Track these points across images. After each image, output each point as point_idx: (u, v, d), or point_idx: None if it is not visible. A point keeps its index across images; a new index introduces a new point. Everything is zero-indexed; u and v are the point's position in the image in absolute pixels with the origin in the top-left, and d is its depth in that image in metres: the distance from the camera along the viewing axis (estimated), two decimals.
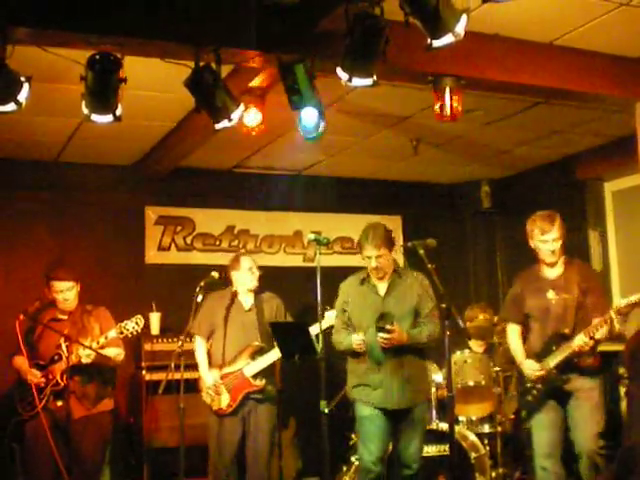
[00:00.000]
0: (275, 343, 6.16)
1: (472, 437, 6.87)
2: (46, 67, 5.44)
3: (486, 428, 7.09)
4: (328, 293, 5.78)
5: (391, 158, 8.89)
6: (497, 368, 7.03)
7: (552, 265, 5.79)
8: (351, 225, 9.36)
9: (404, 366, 5.66)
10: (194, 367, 6.63)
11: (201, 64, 4.92)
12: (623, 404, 7.35)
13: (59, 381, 6.23)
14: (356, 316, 5.76)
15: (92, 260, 8.12)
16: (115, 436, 7.09)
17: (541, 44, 5.85)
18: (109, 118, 4.95)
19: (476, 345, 7.50)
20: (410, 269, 5.87)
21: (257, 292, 6.69)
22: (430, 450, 6.56)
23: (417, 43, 4.40)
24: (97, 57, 4.69)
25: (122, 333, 6.22)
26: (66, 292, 6.40)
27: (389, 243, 5.72)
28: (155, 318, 8.19)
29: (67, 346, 6.16)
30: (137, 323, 6.22)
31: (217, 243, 9.17)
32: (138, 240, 8.80)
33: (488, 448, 6.90)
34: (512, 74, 5.82)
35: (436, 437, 6.62)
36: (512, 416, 6.96)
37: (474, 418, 7.15)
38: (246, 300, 6.67)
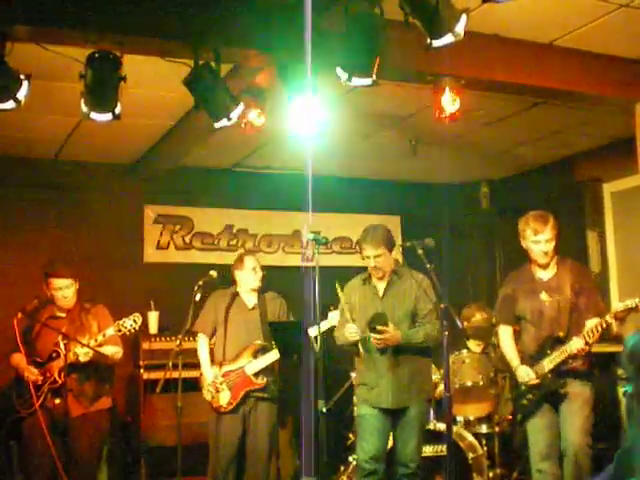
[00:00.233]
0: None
1: (470, 437, 6.87)
2: (45, 65, 5.43)
3: (484, 428, 7.08)
4: (326, 293, 5.78)
5: (390, 158, 8.89)
6: (495, 368, 7.02)
7: (545, 266, 5.73)
8: (350, 225, 9.37)
9: (402, 366, 5.67)
10: (192, 366, 6.64)
11: (200, 63, 4.92)
12: (621, 405, 7.36)
13: (57, 379, 6.22)
14: (357, 316, 5.79)
15: (91, 258, 8.11)
16: (112, 434, 7.11)
17: (541, 45, 5.85)
18: (108, 116, 4.96)
19: (474, 345, 7.49)
20: (411, 269, 5.87)
21: (261, 291, 6.70)
22: (427, 450, 6.56)
23: (417, 43, 4.40)
24: (96, 55, 4.70)
25: (120, 331, 6.22)
26: (65, 289, 6.39)
27: (389, 243, 5.74)
28: (153, 317, 8.19)
29: (65, 344, 6.15)
30: (135, 321, 6.21)
31: (216, 242, 9.17)
32: (137, 239, 8.81)
33: (486, 448, 6.90)
34: (512, 74, 5.82)
35: (434, 437, 6.62)
36: (510, 416, 6.95)
37: (472, 418, 7.14)
38: (250, 299, 6.68)
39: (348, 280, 6.10)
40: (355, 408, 6.24)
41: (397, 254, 5.95)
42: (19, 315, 6.21)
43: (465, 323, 7.34)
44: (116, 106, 4.93)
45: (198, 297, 6.28)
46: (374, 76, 4.71)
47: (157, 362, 7.58)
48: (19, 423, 6.36)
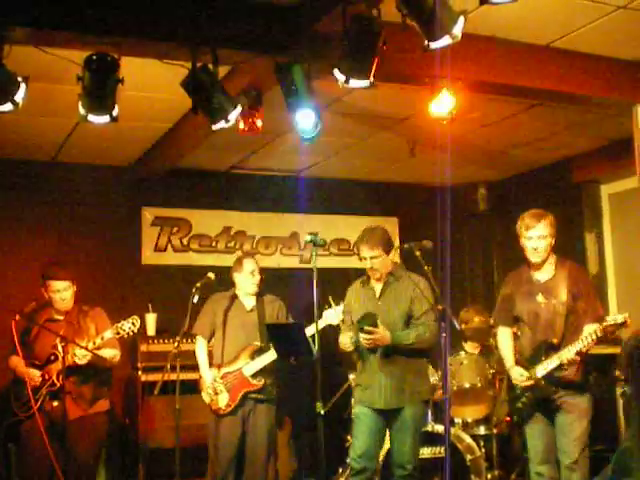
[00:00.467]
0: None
1: (468, 439, 6.87)
2: (43, 67, 5.43)
3: (482, 430, 7.08)
4: (324, 294, 5.79)
5: (388, 160, 8.89)
6: (493, 370, 7.02)
7: (539, 266, 5.62)
8: (348, 227, 9.37)
9: (395, 366, 5.66)
10: (190, 368, 6.64)
11: (198, 65, 4.92)
12: (619, 407, 7.36)
13: (55, 381, 6.22)
14: (355, 317, 5.79)
15: (88, 261, 8.11)
16: (111, 437, 7.10)
17: (538, 46, 5.86)
18: (106, 119, 4.96)
19: (472, 347, 7.50)
20: (409, 271, 5.87)
21: (259, 294, 6.70)
22: (425, 452, 6.56)
23: (414, 45, 4.40)
24: (94, 57, 4.70)
25: (118, 334, 6.22)
26: (63, 292, 6.39)
27: (386, 245, 5.74)
28: (151, 319, 8.18)
29: (63, 347, 6.15)
30: (133, 324, 6.21)
31: (213, 244, 9.17)
32: (134, 241, 8.80)
33: (484, 450, 6.91)
34: (509, 76, 5.83)
35: (432, 439, 6.62)
36: (507, 418, 6.95)
37: (470, 420, 7.14)
38: (248, 301, 6.68)
39: (345, 284, 6.12)
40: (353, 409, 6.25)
41: (395, 256, 5.93)
42: (17, 317, 6.20)
43: (462, 325, 7.33)
44: (114, 108, 4.93)
45: (196, 299, 6.27)
46: (372, 78, 4.71)
47: (155, 364, 7.57)
48: (17, 426, 6.35)
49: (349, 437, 6.89)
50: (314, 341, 5.39)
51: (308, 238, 5.52)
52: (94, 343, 6.21)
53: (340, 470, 7.09)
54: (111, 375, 6.65)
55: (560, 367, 5.43)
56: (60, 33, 4.70)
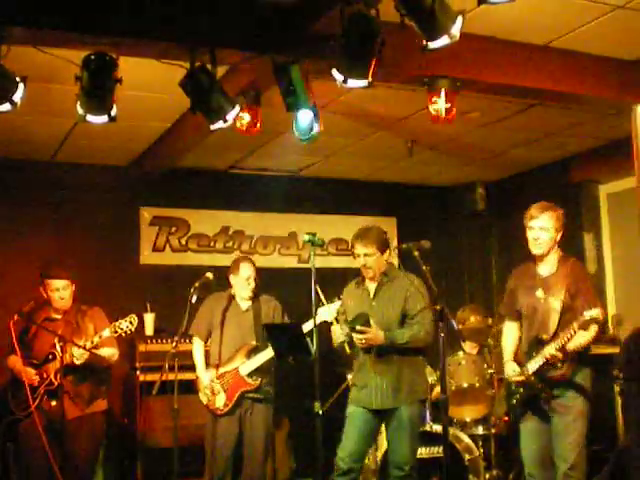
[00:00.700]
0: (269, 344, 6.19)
1: (466, 439, 6.88)
2: (41, 67, 5.43)
3: (480, 430, 7.08)
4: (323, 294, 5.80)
5: (386, 160, 8.89)
6: (491, 370, 7.02)
7: (541, 258, 5.53)
8: (346, 227, 9.36)
9: (390, 366, 5.65)
10: (188, 368, 6.64)
11: (196, 64, 4.92)
12: (618, 406, 7.37)
13: (53, 380, 6.22)
14: (350, 318, 5.79)
15: (87, 260, 8.10)
16: (109, 436, 7.11)
17: (537, 46, 5.86)
18: (104, 118, 4.96)
19: (469, 347, 7.50)
20: (404, 271, 5.86)
21: (256, 294, 6.70)
22: (424, 452, 6.56)
23: (413, 45, 4.40)
24: (92, 57, 4.70)
25: (116, 332, 6.22)
26: (62, 291, 6.39)
27: (380, 244, 5.73)
28: (149, 319, 8.18)
29: (61, 346, 6.15)
30: (131, 322, 6.21)
31: (212, 244, 9.17)
32: (133, 241, 8.80)
33: (482, 450, 6.91)
34: (508, 76, 5.83)
35: (430, 439, 6.62)
36: (506, 418, 6.96)
37: (468, 420, 7.14)
38: (244, 302, 6.68)
39: (343, 284, 6.12)
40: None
41: (393, 256, 5.93)
42: (15, 317, 6.21)
43: (460, 325, 7.34)
44: (112, 108, 4.93)
45: (194, 299, 6.26)
46: (370, 78, 4.71)
47: (153, 364, 7.56)
48: (15, 425, 6.36)
49: None
50: (312, 341, 5.39)
51: (306, 238, 5.51)
52: (92, 342, 6.21)
53: None
54: (110, 374, 6.66)
55: (553, 365, 5.35)
56: (58, 33, 4.69)
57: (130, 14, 4.74)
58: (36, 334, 6.39)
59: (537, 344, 5.44)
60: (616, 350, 7.34)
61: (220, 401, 6.45)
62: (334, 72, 4.71)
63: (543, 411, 5.47)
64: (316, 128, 5.32)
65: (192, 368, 6.67)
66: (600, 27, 5.53)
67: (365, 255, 5.69)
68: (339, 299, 6.13)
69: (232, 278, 6.66)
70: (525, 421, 5.58)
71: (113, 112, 4.94)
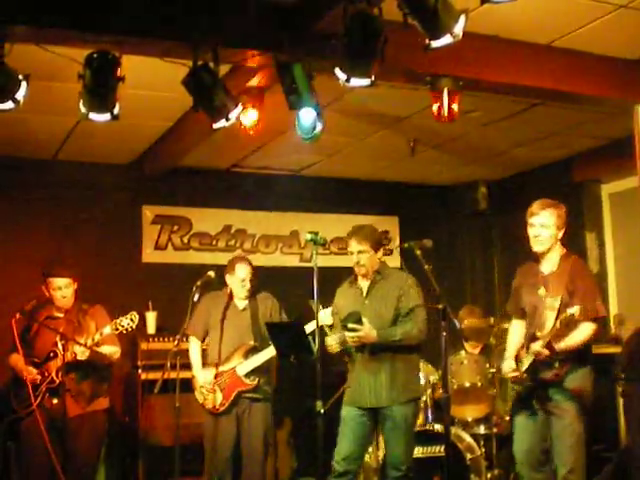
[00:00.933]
0: (271, 343, 6.17)
1: (468, 438, 6.88)
2: (44, 65, 5.42)
3: (482, 429, 7.08)
4: (324, 293, 5.78)
5: (388, 159, 8.89)
6: (493, 369, 7.02)
7: (542, 255, 5.49)
8: (348, 226, 9.28)
9: (383, 364, 5.64)
10: (190, 366, 6.63)
11: (199, 63, 4.91)
12: (619, 406, 7.36)
13: (54, 378, 6.23)
14: (343, 317, 5.78)
15: (89, 259, 8.10)
16: (110, 435, 7.11)
17: (540, 45, 5.86)
18: (107, 117, 4.96)
19: (472, 346, 7.51)
20: (397, 269, 5.86)
21: (252, 292, 6.70)
22: (425, 451, 6.57)
23: (415, 43, 4.39)
24: (95, 55, 4.70)
25: (117, 329, 6.22)
26: (64, 289, 6.40)
27: (374, 242, 5.74)
28: (151, 317, 8.19)
29: (63, 344, 6.15)
30: (132, 319, 6.21)
31: (214, 243, 9.17)
32: (135, 239, 8.80)
33: (484, 449, 6.91)
34: (510, 75, 5.82)
35: (431, 438, 6.62)
36: (507, 417, 6.94)
37: (470, 419, 7.14)
38: (240, 300, 6.68)
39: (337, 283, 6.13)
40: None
41: (395, 255, 5.94)
42: (17, 316, 6.22)
43: (462, 325, 7.33)
44: (114, 106, 4.93)
45: (197, 297, 6.26)
46: (373, 77, 4.71)
47: (155, 362, 7.56)
48: (17, 423, 6.36)
49: None
50: (314, 340, 5.39)
51: (308, 237, 5.51)
52: (93, 340, 6.22)
53: None
54: (111, 373, 6.67)
55: (547, 364, 5.29)
56: (61, 31, 4.69)
57: (133, 12, 4.74)
58: (38, 332, 6.40)
59: (532, 341, 5.39)
60: (618, 350, 7.32)
61: (217, 400, 6.45)
62: (337, 71, 4.71)
63: (537, 410, 5.43)
64: (318, 127, 5.31)
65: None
66: (603, 27, 5.53)
67: (359, 252, 5.71)
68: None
69: (228, 278, 6.66)
70: (518, 418, 5.55)
71: (115, 110, 4.94)
